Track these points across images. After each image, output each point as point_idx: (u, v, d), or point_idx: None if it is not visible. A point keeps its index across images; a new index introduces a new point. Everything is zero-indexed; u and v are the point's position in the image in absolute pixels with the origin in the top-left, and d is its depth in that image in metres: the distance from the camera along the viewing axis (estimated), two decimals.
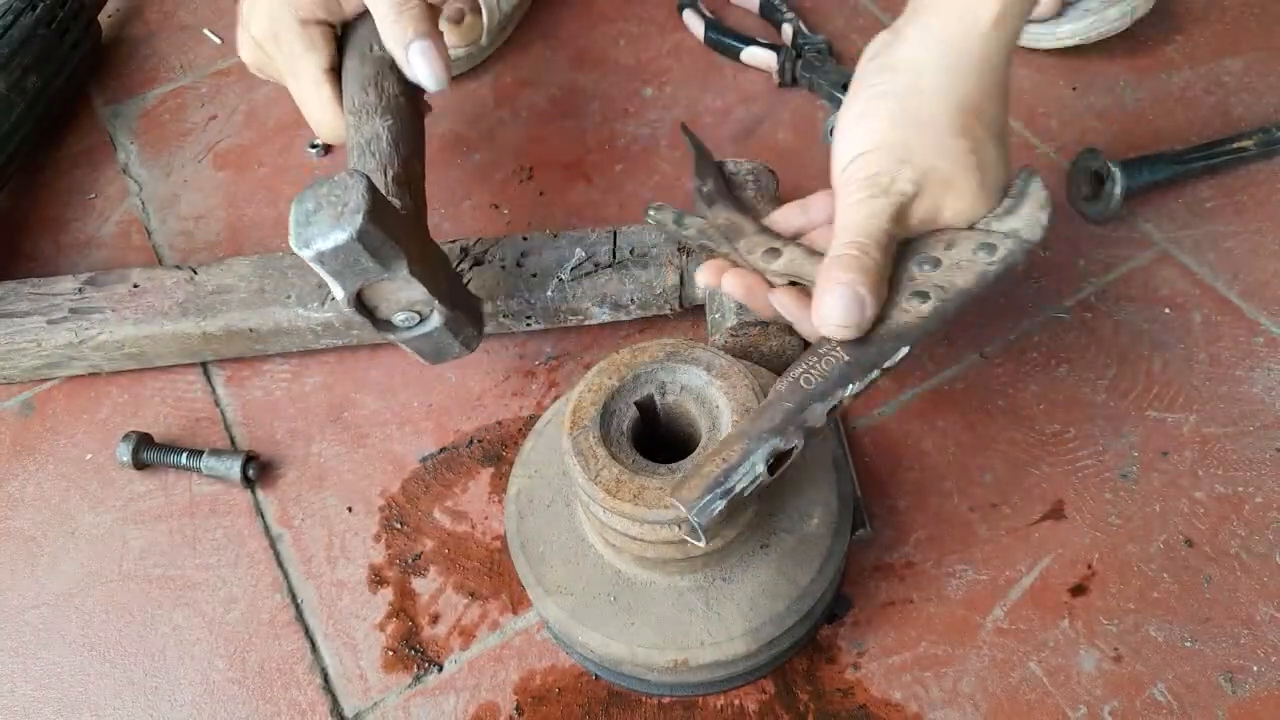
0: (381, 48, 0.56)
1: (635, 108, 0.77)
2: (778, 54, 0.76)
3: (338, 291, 0.48)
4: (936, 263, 0.48)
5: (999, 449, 0.57)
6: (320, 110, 0.57)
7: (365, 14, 0.56)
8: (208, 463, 0.58)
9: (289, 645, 0.53)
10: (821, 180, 0.70)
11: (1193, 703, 0.48)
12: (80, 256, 0.71)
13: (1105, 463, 0.56)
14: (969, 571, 0.53)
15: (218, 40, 0.85)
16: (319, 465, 0.60)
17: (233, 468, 0.58)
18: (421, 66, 0.53)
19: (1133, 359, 0.60)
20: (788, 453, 0.42)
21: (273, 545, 0.57)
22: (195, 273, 0.63)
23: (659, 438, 0.47)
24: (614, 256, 0.61)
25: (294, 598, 0.55)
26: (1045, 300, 0.63)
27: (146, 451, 0.59)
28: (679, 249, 0.61)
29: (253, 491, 0.59)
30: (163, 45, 0.86)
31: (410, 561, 0.56)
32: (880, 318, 0.46)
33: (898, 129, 0.47)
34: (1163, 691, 0.49)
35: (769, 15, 0.80)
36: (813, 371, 0.44)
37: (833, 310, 0.44)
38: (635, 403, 0.46)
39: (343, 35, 0.59)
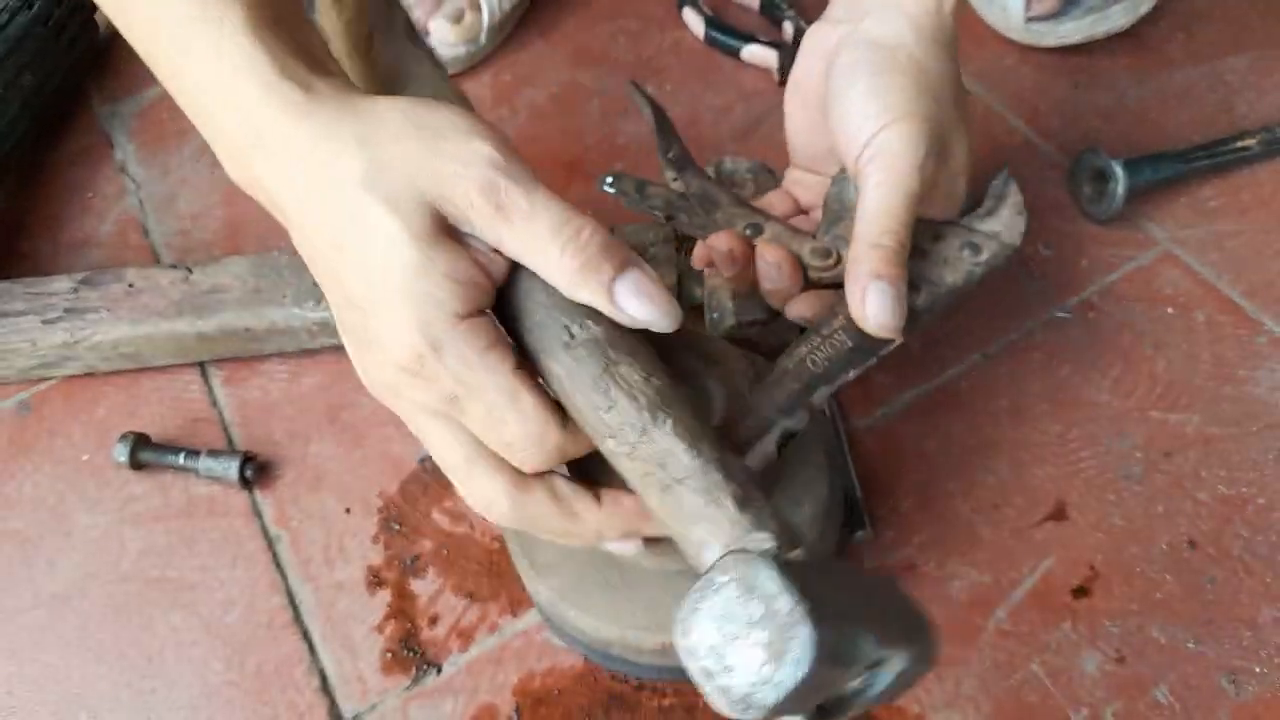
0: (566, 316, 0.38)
1: (635, 106, 0.76)
2: (778, 52, 0.75)
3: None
4: (924, 254, 0.47)
5: (1001, 449, 0.57)
6: (533, 422, 0.37)
7: (515, 273, 0.39)
8: (205, 463, 0.58)
9: (287, 647, 0.53)
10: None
11: (1195, 704, 0.48)
12: (78, 256, 0.71)
13: (1108, 463, 0.56)
14: (971, 573, 0.53)
15: None
16: (317, 466, 0.59)
17: (230, 468, 0.57)
18: (638, 306, 0.37)
19: (1135, 359, 0.60)
20: (794, 433, 0.42)
21: (270, 546, 0.57)
22: (191, 272, 0.63)
23: None
24: None
25: (292, 599, 0.55)
26: (1048, 300, 0.63)
27: (144, 452, 0.59)
28: (677, 249, 0.60)
29: (250, 492, 0.59)
30: None
31: (409, 563, 0.55)
32: None
33: (920, 99, 0.46)
34: (1165, 693, 0.49)
35: (769, 12, 0.80)
36: (818, 354, 0.43)
37: (879, 311, 0.42)
38: None
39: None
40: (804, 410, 0.42)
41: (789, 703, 0.29)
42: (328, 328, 0.61)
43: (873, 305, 0.42)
